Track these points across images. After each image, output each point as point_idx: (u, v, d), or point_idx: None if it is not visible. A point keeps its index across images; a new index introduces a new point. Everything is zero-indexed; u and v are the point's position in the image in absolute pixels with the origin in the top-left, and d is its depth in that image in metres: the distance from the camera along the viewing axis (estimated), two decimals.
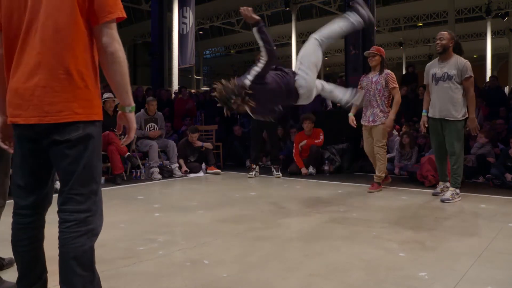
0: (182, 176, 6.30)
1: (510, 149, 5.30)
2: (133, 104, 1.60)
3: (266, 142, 6.74)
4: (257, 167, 6.34)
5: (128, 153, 5.94)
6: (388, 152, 6.42)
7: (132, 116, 1.61)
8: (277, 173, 6.18)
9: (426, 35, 20.70)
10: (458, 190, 4.27)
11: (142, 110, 6.59)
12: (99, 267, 1.63)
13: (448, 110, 4.24)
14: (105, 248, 2.65)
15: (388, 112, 4.82)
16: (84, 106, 1.50)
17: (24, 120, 1.48)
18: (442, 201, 4.17)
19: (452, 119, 4.24)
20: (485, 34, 18.47)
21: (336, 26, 3.79)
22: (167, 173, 6.26)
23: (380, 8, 16.98)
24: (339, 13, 18.29)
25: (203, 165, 6.64)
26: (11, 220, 1.64)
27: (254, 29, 3.32)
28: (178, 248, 2.71)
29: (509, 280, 2.16)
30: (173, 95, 10.42)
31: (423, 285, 2.09)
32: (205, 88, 21.81)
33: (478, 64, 20.79)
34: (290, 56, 20.41)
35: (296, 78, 3.52)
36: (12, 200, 1.65)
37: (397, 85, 4.84)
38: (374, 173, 4.93)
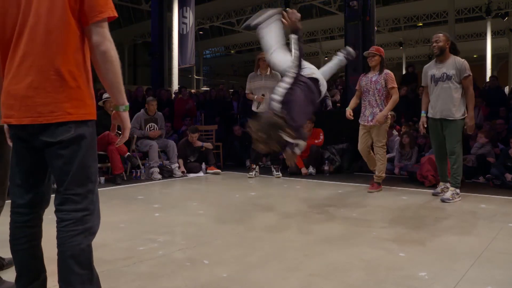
0: (182, 176, 6.30)
1: (510, 149, 5.30)
2: (127, 103, 1.60)
3: None
4: (257, 167, 6.34)
5: (128, 153, 5.94)
6: (388, 152, 6.43)
7: (126, 115, 1.61)
8: (277, 173, 6.18)
9: (426, 35, 20.68)
10: (458, 190, 4.27)
11: (142, 110, 6.59)
12: (99, 267, 1.63)
13: (449, 110, 4.26)
14: (105, 248, 2.65)
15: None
16: (76, 106, 1.51)
17: (17, 120, 1.51)
18: (442, 200, 4.18)
19: (452, 118, 4.26)
20: (485, 34, 18.46)
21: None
22: (167, 173, 6.26)
23: (380, 8, 16.96)
24: (339, 13, 18.33)
25: (203, 165, 6.64)
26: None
27: (295, 37, 3.22)
28: (178, 248, 2.71)
29: (509, 280, 2.16)
30: (173, 95, 10.42)
31: (423, 285, 2.09)
32: (205, 88, 21.82)
33: (478, 64, 20.80)
34: None
35: (314, 76, 3.38)
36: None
37: (396, 85, 4.87)
38: (374, 173, 4.94)
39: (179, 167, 6.46)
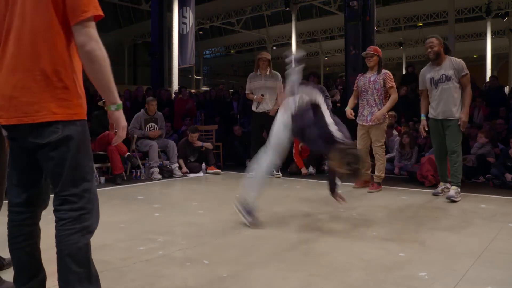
0: (182, 176, 6.30)
1: (510, 149, 5.31)
2: (119, 102, 1.58)
3: (266, 142, 6.73)
4: None
5: (128, 153, 5.94)
6: (388, 152, 6.43)
7: (118, 114, 1.60)
8: (277, 173, 6.18)
9: (426, 35, 20.63)
10: (459, 189, 4.28)
11: (142, 110, 6.59)
12: (99, 267, 1.63)
13: (450, 110, 4.31)
14: (105, 248, 2.66)
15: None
16: (62, 106, 1.50)
17: (6, 121, 1.52)
18: (448, 198, 4.18)
19: (453, 118, 4.30)
20: (485, 34, 18.44)
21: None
22: (167, 173, 6.26)
23: (380, 8, 16.97)
24: (339, 13, 18.34)
25: (203, 165, 6.65)
26: None
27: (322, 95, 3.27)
28: (178, 248, 2.71)
29: (509, 280, 2.16)
30: (173, 95, 10.42)
31: (423, 285, 2.09)
32: (205, 88, 21.83)
33: (478, 64, 20.81)
34: None
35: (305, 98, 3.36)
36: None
37: (394, 85, 4.92)
38: (374, 173, 4.94)
39: (180, 168, 6.46)
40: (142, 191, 5.09)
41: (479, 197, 4.44)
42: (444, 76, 4.33)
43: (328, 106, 3.35)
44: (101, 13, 1.52)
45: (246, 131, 8.04)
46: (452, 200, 4.16)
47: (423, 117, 4.66)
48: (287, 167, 6.56)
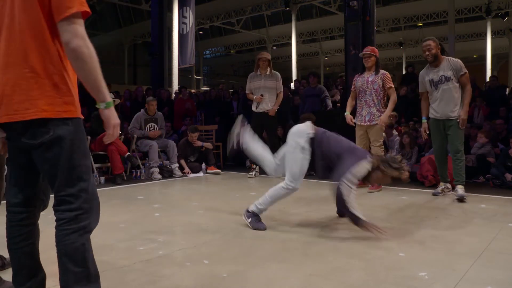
0: (182, 176, 6.30)
1: (510, 149, 5.31)
2: (108, 100, 1.54)
3: (266, 142, 6.73)
4: (257, 167, 6.34)
5: (128, 153, 5.94)
6: (388, 152, 6.43)
7: (108, 113, 1.56)
8: None
9: (426, 35, 20.62)
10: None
11: (142, 110, 6.59)
12: (99, 267, 1.63)
13: (452, 110, 4.34)
14: (105, 248, 2.66)
15: (384, 111, 4.88)
16: (51, 104, 1.49)
17: None
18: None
19: (455, 117, 4.33)
20: (485, 34, 18.46)
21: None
22: (167, 173, 6.27)
23: (380, 8, 16.99)
24: (339, 13, 18.35)
25: (203, 165, 6.65)
26: None
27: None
28: (178, 248, 2.71)
29: (509, 280, 2.16)
30: (174, 95, 10.42)
31: (423, 285, 2.09)
32: (205, 88, 21.82)
33: (478, 64, 20.80)
34: (290, 56, 20.43)
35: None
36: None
37: (393, 85, 4.93)
38: None
39: (182, 168, 6.46)
40: (142, 191, 5.09)
41: (479, 197, 4.44)
42: (443, 77, 4.35)
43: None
44: (87, 9, 1.49)
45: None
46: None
47: (424, 120, 4.69)
48: None
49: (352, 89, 5.13)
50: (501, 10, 17.45)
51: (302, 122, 6.68)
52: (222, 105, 9.68)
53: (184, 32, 11.78)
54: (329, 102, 7.95)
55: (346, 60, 8.35)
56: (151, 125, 6.53)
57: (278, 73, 6.16)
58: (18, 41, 1.50)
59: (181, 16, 11.83)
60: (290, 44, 20.10)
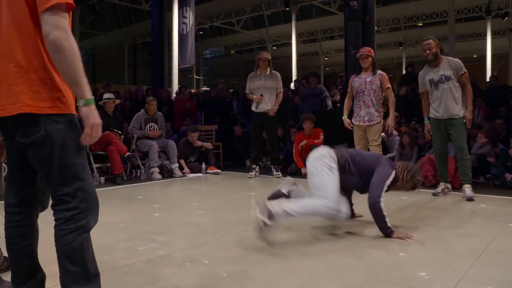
0: (182, 176, 6.30)
1: (510, 149, 5.31)
2: (88, 97, 1.47)
3: (266, 142, 6.74)
4: (257, 167, 6.34)
5: (128, 153, 5.94)
6: (388, 152, 6.43)
7: (87, 111, 1.47)
8: (277, 173, 6.18)
9: (426, 35, 20.64)
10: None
11: (142, 110, 6.60)
12: (99, 267, 1.62)
13: (453, 109, 4.36)
14: (105, 248, 2.66)
15: (382, 111, 4.93)
16: (36, 99, 1.46)
17: None
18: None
19: (457, 116, 4.35)
20: (485, 34, 18.46)
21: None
22: (167, 173, 6.27)
23: (380, 8, 16.98)
24: (339, 13, 18.35)
25: (203, 165, 6.65)
26: None
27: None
28: (178, 248, 2.71)
29: (509, 280, 2.16)
30: (174, 95, 10.42)
31: (423, 285, 2.09)
32: (205, 88, 21.83)
33: (478, 64, 20.79)
34: (290, 56, 20.43)
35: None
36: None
37: (390, 86, 4.97)
38: None
39: (182, 168, 6.46)
40: (142, 191, 5.09)
41: (479, 197, 4.44)
42: (443, 76, 4.36)
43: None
44: (69, 0, 1.45)
45: (246, 131, 8.04)
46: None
47: (426, 121, 4.71)
48: (287, 167, 6.56)
49: (349, 89, 5.14)
50: (501, 10, 17.45)
51: (302, 122, 6.73)
52: (222, 105, 9.68)
53: (184, 32, 11.78)
54: (329, 102, 7.96)
55: (346, 60, 8.36)
56: (151, 125, 6.53)
57: (278, 73, 6.16)
58: (5, 36, 1.49)
59: (181, 16, 11.83)
60: (290, 44, 20.09)
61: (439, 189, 4.57)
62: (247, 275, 2.25)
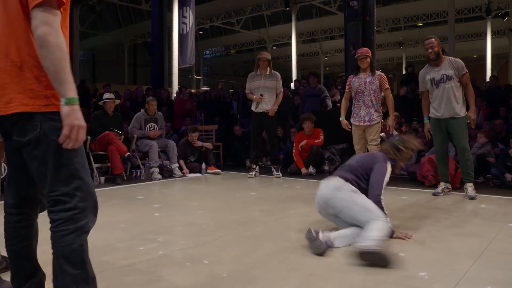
0: (182, 176, 6.30)
1: (510, 149, 5.31)
2: (71, 96, 1.40)
3: (266, 142, 6.74)
4: (257, 167, 6.34)
5: (128, 153, 5.94)
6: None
7: (67, 110, 1.40)
8: (277, 173, 6.18)
9: (426, 35, 20.62)
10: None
11: (142, 110, 6.60)
12: (99, 267, 1.63)
13: (454, 108, 4.36)
14: (105, 248, 2.66)
15: (381, 111, 4.95)
16: (32, 97, 1.45)
17: None
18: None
19: (458, 116, 4.36)
20: (485, 34, 18.46)
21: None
22: (167, 173, 6.27)
23: (380, 8, 16.99)
24: (339, 13, 18.35)
25: (203, 165, 6.65)
26: None
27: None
28: (178, 248, 2.71)
29: (509, 280, 2.16)
30: (174, 95, 10.42)
31: (423, 285, 2.09)
32: (205, 88, 21.83)
33: (478, 64, 20.80)
34: (290, 56, 20.43)
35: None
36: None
37: (389, 86, 4.99)
38: None
39: (182, 168, 6.46)
40: (142, 191, 5.09)
41: (479, 197, 4.43)
42: (445, 75, 4.37)
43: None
44: None
45: (246, 131, 8.04)
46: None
47: (426, 121, 4.71)
48: (287, 167, 6.56)
49: (347, 90, 5.15)
50: (501, 10, 17.46)
51: (302, 122, 6.72)
52: (222, 105, 9.68)
53: (184, 32, 11.78)
54: (329, 102, 7.96)
55: (346, 60, 8.35)
56: (151, 125, 6.53)
57: (278, 73, 6.16)
58: (1, 34, 1.48)
59: (181, 16, 11.83)
60: (290, 44, 20.09)
61: (439, 189, 4.57)
62: (247, 275, 2.25)
